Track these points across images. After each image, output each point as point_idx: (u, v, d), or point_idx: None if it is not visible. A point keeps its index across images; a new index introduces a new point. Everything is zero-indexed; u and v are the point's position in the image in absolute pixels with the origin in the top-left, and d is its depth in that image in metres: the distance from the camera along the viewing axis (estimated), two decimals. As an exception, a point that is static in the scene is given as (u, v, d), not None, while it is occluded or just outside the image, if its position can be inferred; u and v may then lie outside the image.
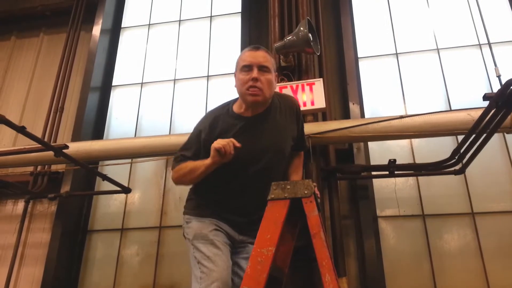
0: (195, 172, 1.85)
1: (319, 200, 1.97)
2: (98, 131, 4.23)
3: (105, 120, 4.34)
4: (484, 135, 2.39)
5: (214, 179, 1.89)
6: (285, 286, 2.06)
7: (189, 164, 1.88)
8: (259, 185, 1.89)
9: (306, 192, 1.83)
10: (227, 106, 2.01)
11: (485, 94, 2.10)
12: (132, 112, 4.33)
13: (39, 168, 3.82)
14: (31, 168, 3.83)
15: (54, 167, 3.88)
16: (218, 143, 1.73)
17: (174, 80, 4.39)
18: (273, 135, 1.96)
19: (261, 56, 1.88)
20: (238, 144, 1.76)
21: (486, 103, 2.19)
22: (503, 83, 2.00)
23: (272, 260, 1.73)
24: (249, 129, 1.92)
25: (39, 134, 3.93)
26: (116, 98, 4.48)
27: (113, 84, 4.54)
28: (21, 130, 2.35)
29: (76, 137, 3.93)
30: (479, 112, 2.33)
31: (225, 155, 1.74)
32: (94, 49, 4.48)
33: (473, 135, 2.42)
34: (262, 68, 1.86)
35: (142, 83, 4.47)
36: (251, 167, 1.92)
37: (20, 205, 3.88)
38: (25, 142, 3.83)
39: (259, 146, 1.92)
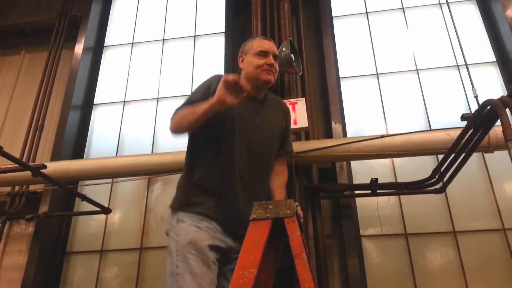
0: (195, 112, 1.75)
1: (302, 220, 1.95)
2: (78, 150, 4.16)
3: (86, 139, 4.27)
4: (463, 154, 2.43)
5: (212, 158, 1.89)
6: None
7: (190, 107, 1.80)
8: (253, 175, 1.93)
9: (288, 212, 1.81)
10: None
11: (463, 115, 2.15)
12: (114, 131, 4.28)
13: (16, 188, 3.72)
14: (8, 189, 3.73)
15: (32, 187, 3.78)
16: (229, 76, 1.66)
17: (157, 98, 4.37)
18: (269, 120, 2.04)
19: (273, 45, 2.07)
20: (246, 88, 1.72)
21: (464, 123, 2.24)
22: (480, 103, 2.05)
23: (254, 282, 1.71)
24: (251, 108, 1.97)
25: (17, 154, 3.86)
26: (97, 117, 4.43)
27: (94, 103, 4.49)
28: (-3, 149, 2.30)
29: (55, 157, 3.86)
30: (458, 132, 2.37)
31: (231, 94, 1.66)
32: (76, 67, 4.44)
33: (453, 155, 2.46)
34: (275, 57, 2.03)
35: (124, 102, 4.43)
36: (249, 146, 1.93)
37: (-4, 226, 3.76)
38: (3, 162, 3.76)
39: (258, 126, 1.98)
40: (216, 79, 1.93)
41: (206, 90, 1.91)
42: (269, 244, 1.81)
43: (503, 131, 1.75)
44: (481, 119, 2.05)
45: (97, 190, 3.63)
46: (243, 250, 1.77)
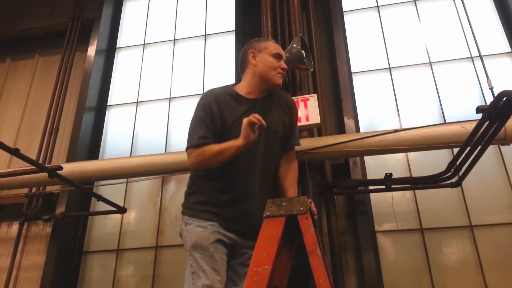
0: (224, 154, 1.84)
1: (315, 217, 1.95)
2: (93, 151, 4.21)
3: (101, 140, 4.33)
4: (479, 147, 2.39)
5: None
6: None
7: (215, 147, 1.86)
8: (260, 175, 1.98)
9: (301, 209, 1.81)
10: (226, 88, 2.07)
11: (478, 107, 2.12)
12: (127, 131, 4.32)
13: (33, 189, 3.78)
14: (25, 190, 3.80)
15: (49, 188, 3.84)
16: (253, 117, 1.75)
17: (170, 98, 4.40)
18: (272, 120, 2.05)
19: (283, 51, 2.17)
20: (264, 123, 1.79)
21: (480, 116, 2.21)
22: (495, 95, 2.01)
23: (269, 279, 1.71)
24: (257, 110, 1.96)
25: (34, 156, 3.92)
26: (111, 118, 4.48)
27: (108, 104, 4.55)
28: (15, 152, 2.34)
29: (71, 158, 3.91)
30: (473, 125, 2.34)
31: (255, 132, 1.78)
32: (89, 69, 4.49)
33: (468, 148, 2.42)
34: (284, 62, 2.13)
35: (137, 102, 4.47)
36: (256, 152, 1.97)
37: (15, 227, 3.84)
38: (20, 164, 3.83)
39: (271, 124, 2.00)
40: (212, 100, 1.97)
41: (210, 114, 1.94)
42: (283, 241, 1.81)
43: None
44: (497, 111, 2.01)
45: (112, 190, 3.67)
46: (257, 247, 1.78)
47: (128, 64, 4.76)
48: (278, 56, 2.05)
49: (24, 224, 3.70)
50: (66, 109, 4.40)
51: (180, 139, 4.11)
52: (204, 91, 4.24)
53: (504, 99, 1.91)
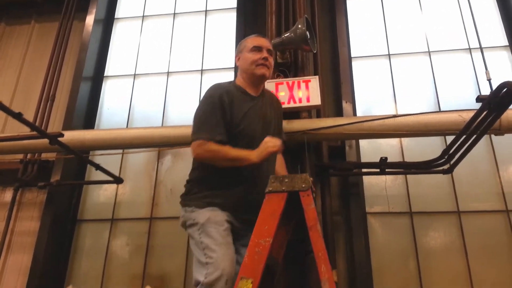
0: (236, 162, 1.90)
1: (314, 195, 2.01)
2: (89, 121, 4.20)
3: (97, 110, 4.31)
4: (474, 136, 2.47)
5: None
6: (278, 277, 2.11)
7: (231, 152, 1.88)
8: (261, 169, 2.01)
9: (303, 185, 1.88)
10: (231, 83, 2.11)
11: (478, 96, 2.20)
12: (124, 103, 4.31)
13: (29, 156, 3.77)
14: (20, 156, 3.78)
15: (44, 156, 3.83)
16: (275, 144, 1.90)
17: (168, 73, 4.38)
18: (272, 115, 2.16)
19: (268, 41, 2.20)
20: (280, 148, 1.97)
21: (477, 106, 2.28)
22: (493, 86, 2.07)
23: (269, 250, 1.78)
24: (259, 107, 2.07)
25: (29, 123, 3.89)
26: (108, 89, 4.45)
27: (105, 75, 4.51)
28: (18, 116, 2.33)
29: (67, 126, 3.90)
30: (470, 114, 2.41)
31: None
32: (87, 39, 4.44)
33: (464, 136, 2.50)
34: (269, 51, 2.13)
35: (135, 75, 4.45)
36: (255, 145, 1.99)
37: (9, 193, 3.83)
38: (15, 130, 3.81)
39: (260, 124, 2.06)
40: (223, 91, 1.98)
41: (221, 107, 1.94)
42: (282, 217, 1.88)
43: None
44: (496, 101, 2.08)
45: (107, 161, 3.68)
46: (259, 220, 1.84)
47: (127, 35, 4.71)
48: (256, 49, 2.09)
49: (18, 190, 3.70)
50: (62, 78, 4.36)
51: (177, 114, 4.13)
52: (203, 68, 4.31)
53: (504, 90, 1.98)
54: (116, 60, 4.59)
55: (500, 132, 2.66)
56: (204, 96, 2.04)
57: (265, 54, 2.09)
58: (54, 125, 4.12)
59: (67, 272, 3.59)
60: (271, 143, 1.91)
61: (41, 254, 3.44)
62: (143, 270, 3.47)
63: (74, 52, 4.52)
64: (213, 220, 1.89)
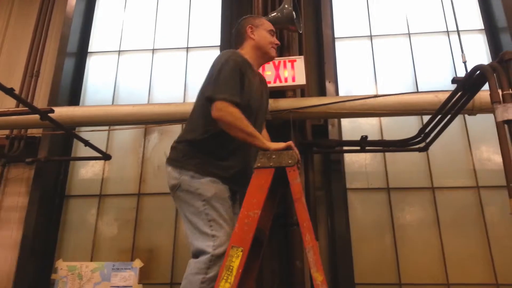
0: (249, 139, 1.91)
1: (300, 170, 2.14)
2: (74, 98, 4.21)
3: (81, 86, 4.31)
4: (449, 116, 2.63)
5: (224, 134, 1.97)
6: (265, 247, 2.25)
7: (250, 127, 1.91)
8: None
9: (290, 161, 1.98)
10: (242, 55, 2.12)
11: (454, 78, 2.33)
12: (109, 80, 4.32)
13: (14, 132, 3.77)
14: (6, 132, 3.78)
15: (30, 132, 3.84)
16: (298, 154, 1.94)
17: (153, 50, 4.40)
18: (264, 93, 2.25)
19: None
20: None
21: (452, 88, 2.42)
22: (468, 68, 2.21)
23: (258, 222, 1.90)
24: (258, 83, 2.15)
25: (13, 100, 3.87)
26: (92, 65, 4.45)
27: (89, 51, 4.49)
28: (10, 91, 2.37)
29: (52, 103, 3.90)
30: (446, 95, 2.57)
31: None
32: (71, 13, 4.39)
33: (439, 116, 2.66)
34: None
35: (119, 51, 4.45)
36: (258, 118, 2.11)
37: (-5, 168, 3.85)
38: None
39: (262, 100, 2.20)
40: (241, 59, 2.04)
41: (239, 73, 1.99)
42: (270, 191, 2.00)
43: (490, 94, 1.94)
44: (470, 83, 2.23)
45: (94, 138, 3.71)
46: (248, 194, 1.95)
47: (110, 10, 4.68)
48: (272, 33, 2.24)
49: (5, 166, 3.72)
50: (46, 53, 4.31)
51: (163, 92, 4.17)
52: (188, 45, 4.34)
53: (477, 72, 2.13)
54: (100, 36, 4.57)
55: (473, 112, 2.83)
56: (223, 58, 2.04)
57: (276, 40, 2.26)
58: (39, 101, 4.10)
59: (57, 246, 3.67)
60: (295, 148, 1.95)
61: (30, 228, 3.52)
62: (132, 244, 3.58)
63: (58, 27, 4.45)
64: (220, 197, 1.95)
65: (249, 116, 1.99)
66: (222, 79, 1.95)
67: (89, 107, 3.43)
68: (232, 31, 2.37)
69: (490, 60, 3.84)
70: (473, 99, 2.65)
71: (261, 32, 2.21)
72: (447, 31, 4.04)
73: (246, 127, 1.92)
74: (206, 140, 2.01)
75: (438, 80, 3.84)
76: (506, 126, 1.86)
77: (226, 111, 1.91)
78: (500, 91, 1.92)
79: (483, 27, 4.05)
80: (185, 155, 2.02)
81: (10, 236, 3.66)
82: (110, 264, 3.19)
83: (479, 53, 3.95)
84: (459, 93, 2.34)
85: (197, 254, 1.87)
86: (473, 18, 4.10)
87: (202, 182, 1.95)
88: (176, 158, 2.04)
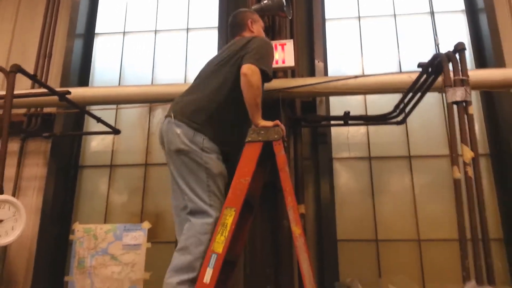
0: (253, 109, 2.32)
1: (285, 144, 2.51)
2: (83, 78, 4.53)
3: (90, 66, 4.63)
4: (419, 93, 2.98)
5: (234, 108, 2.37)
6: (256, 210, 2.66)
7: (259, 101, 2.32)
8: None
9: (276, 136, 2.37)
10: None
11: (419, 63, 2.67)
12: (115, 61, 4.63)
13: (32, 110, 4.13)
14: (23, 110, 4.14)
15: (45, 109, 4.19)
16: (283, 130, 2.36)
17: (155, 31, 4.69)
18: None
19: None
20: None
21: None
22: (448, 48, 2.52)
23: (248, 188, 2.29)
24: None
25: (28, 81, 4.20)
26: (99, 46, 4.75)
27: (96, 32, 4.79)
28: (33, 77, 2.73)
29: (64, 83, 4.22)
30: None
31: None
32: (78, -6, 4.65)
33: (411, 93, 3.01)
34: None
35: (124, 32, 4.75)
36: None
37: (15, 143, 4.20)
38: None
39: None
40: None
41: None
42: (259, 162, 2.38)
43: (443, 79, 2.29)
44: (433, 68, 2.57)
45: (103, 115, 4.06)
46: (240, 164, 2.34)
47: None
48: (264, 29, 2.75)
49: (25, 140, 4.11)
50: (56, 35, 4.58)
51: (166, 74, 4.50)
52: (188, 26, 4.63)
53: (437, 59, 2.47)
54: (106, 18, 4.85)
55: (442, 90, 3.15)
56: (263, 40, 2.49)
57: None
58: (51, 81, 4.41)
59: (73, 211, 4.11)
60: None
61: (50, 196, 3.93)
62: (141, 208, 4.02)
63: (66, 8, 4.67)
64: (223, 175, 2.33)
65: None
66: (264, 54, 2.39)
67: (100, 88, 3.77)
68: (229, 21, 2.71)
69: (470, 41, 4.16)
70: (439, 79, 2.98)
71: (259, 27, 2.68)
72: (431, 12, 4.31)
73: (258, 97, 2.30)
74: (224, 112, 2.36)
75: (421, 59, 4.10)
76: (455, 106, 2.23)
77: (257, 76, 2.27)
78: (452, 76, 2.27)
79: (464, 8, 4.31)
80: (202, 119, 2.31)
81: (31, 203, 4.06)
82: (121, 225, 3.51)
83: (460, 33, 4.24)
84: (424, 76, 2.69)
85: (198, 212, 2.22)
86: None
87: (211, 157, 2.28)
88: (191, 117, 2.31)
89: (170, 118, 2.35)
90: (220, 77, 2.42)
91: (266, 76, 2.38)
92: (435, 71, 2.60)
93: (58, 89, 3.25)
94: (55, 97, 3.02)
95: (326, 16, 4.41)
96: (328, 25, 4.39)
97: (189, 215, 2.26)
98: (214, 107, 2.35)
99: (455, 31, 4.25)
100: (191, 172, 2.27)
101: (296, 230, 2.18)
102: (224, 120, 2.39)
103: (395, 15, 4.36)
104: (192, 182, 2.27)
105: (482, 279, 1.98)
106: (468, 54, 4.13)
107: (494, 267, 2.03)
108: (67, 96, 3.06)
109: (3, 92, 2.77)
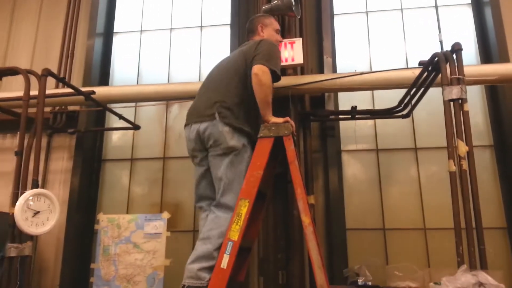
0: (264, 107, 2.50)
1: (295, 138, 2.70)
2: (103, 76, 4.76)
3: (109, 66, 4.85)
4: (422, 89, 3.13)
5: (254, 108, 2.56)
6: (268, 200, 2.86)
7: (270, 99, 2.51)
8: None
9: (286, 132, 2.55)
10: None
11: (420, 61, 2.82)
12: (133, 59, 4.84)
13: (57, 108, 4.39)
14: (49, 108, 4.39)
15: (69, 107, 4.44)
16: (293, 126, 2.55)
17: (171, 29, 4.89)
18: None
19: None
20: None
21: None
22: (448, 46, 2.66)
23: (261, 180, 2.49)
24: None
25: (53, 80, 4.44)
26: (117, 45, 4.96)
27: (114, 31, 5.01)
28: (62, 80, 2.96)
29: (86, 82, 4.48)
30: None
31: None
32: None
33: (414, 89, 3.17)
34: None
35: (141, 31, 4.96)
36: None
37: (43, 138, 4.42)
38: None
39: None
40: None
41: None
42: (271, 155, 2.57)
43: (441, 78, 2.45)
44: (432, 66, 2.73)
45: (123, 111, 4.29)
46: (253, 158, 2.54)
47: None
48: (278, 31, 2.86)
49: (51, 135, 4.39)
50: (78, 35, 4.80)
51: (181, 71, 4.70)
52: (202, 24, 4.81)
53: (436, 58, 2.62)
54: (123, 16, 5.05)
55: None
56: (270, 43, 2.64)
57: (280, 38, 2.98)
58: (74, 80, 4.65)
59: (98, 202, 4.39)
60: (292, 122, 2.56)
61: (76, 188, 4.21)
62: (161, 199, 4.28)
63: (86, 8, 4.89)
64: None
65: None
66: (274, 55, 2.56)
67: (122, 87, 3.97)
68: (246, 27, 2.94)
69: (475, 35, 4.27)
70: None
71: (270, 31, 2.86)
72: (436, 6, 4.42)
73: (269, 95, 2.49)
74: (248, 107, 2.57)
75: (427, 52, 4.20)
76: (451, 103, 2.39)
77: (268, 76, 2.45)
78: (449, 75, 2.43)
79: (470, 1, 4.41)
80: (238, 117, 2.53)
81: (58, 195, 4.32)
82: (143, 215, 3.70)
83: (467, 26, 4.33)
84: (425, 73, 2.84)
85: (225, 207, 2.45)
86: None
87: (249, 155, 2.54)
88: (229, 116, 2.50)
89: (213, 119, 2.49)
90: (236, 77, 2.62)
91: (276, 75, 2.57)
92: (435, 69, 2.75)
93: (82, 88, 3.49)
94: (81, 97, 3.25)
95: (335, 11, 4.54)
96: (336, 20, 4.53)
97: (214, 207, 2.49)
98: (245, 105, 2.57)
99: (462, 24, 4.35)
100: (234, 167, 2.48)
101: (306, 219, 2.37)
102: (250, 116, 2.63)
103: (402, 9, 4.48)
104: (232, 175, 2.49)
105: (475, 264, 2.16)
106: (474, 47, 4.25)
107: (486, 254, 2.20)
108: (92, 95, 3.29)
109: (31, 92, 2.92)
